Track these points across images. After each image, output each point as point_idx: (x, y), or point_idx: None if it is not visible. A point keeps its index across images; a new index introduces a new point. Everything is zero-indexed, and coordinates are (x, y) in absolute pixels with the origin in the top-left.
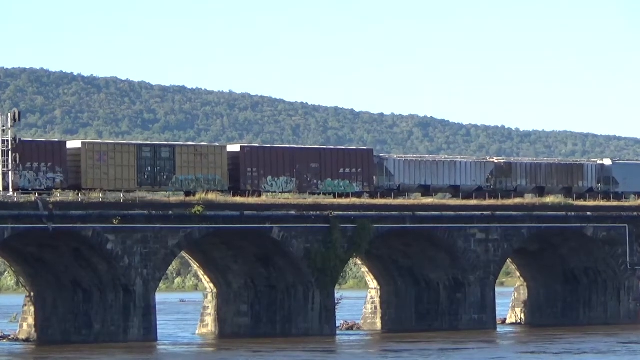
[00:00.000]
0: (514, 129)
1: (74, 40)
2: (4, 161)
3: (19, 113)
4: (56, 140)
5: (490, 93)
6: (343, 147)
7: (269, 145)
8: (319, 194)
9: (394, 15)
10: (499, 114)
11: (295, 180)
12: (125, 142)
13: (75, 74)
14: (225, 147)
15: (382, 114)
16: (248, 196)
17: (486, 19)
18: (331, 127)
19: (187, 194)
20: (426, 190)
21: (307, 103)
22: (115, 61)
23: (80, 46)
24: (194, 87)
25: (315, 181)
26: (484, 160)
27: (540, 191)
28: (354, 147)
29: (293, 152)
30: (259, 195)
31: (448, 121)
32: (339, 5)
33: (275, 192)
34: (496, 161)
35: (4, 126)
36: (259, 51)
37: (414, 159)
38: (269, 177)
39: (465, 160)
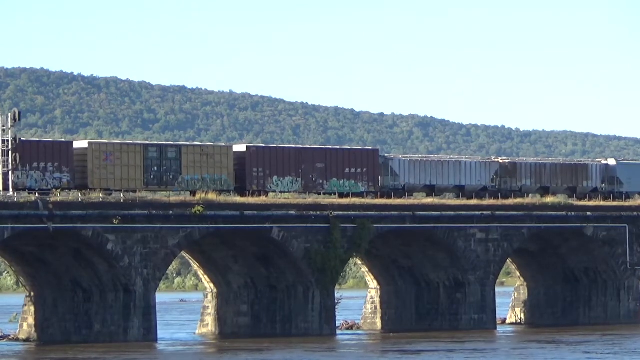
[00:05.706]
0: (514, 129)
1: (74, 40)
2: (4, 161)
3: (19, 113)
4: (63, 140)
5: (490, 93)
6: (349, 147)
7: (274, 145)
8: (324, 194)
9: (394, 15)
10: (499, 114)
11: (301, 180)
12: (131, 142)
13: (75, 74)
14: (231, 147)
15: (382, 114)
16: (254, 196)
17: (486, 19)
18: (331, 127)
19: (193, 193)
20: (431, 190)
21: (307, 103)
22: (115, 61)
23: (80, 46)
24: (194, 87)
25: (320, 181)
26: (489, 161)
27: (545, 191)
28: (360, 147)
29: (299, 152)
30: (265, 195)
31: (448, 121)
32: (339, 5)
33: (281, 192)
34: (501, 161)
35: (4, 126)
36: (259, 51)
37: (419, 159)
38: (275, 177)
39: (471, 160)
